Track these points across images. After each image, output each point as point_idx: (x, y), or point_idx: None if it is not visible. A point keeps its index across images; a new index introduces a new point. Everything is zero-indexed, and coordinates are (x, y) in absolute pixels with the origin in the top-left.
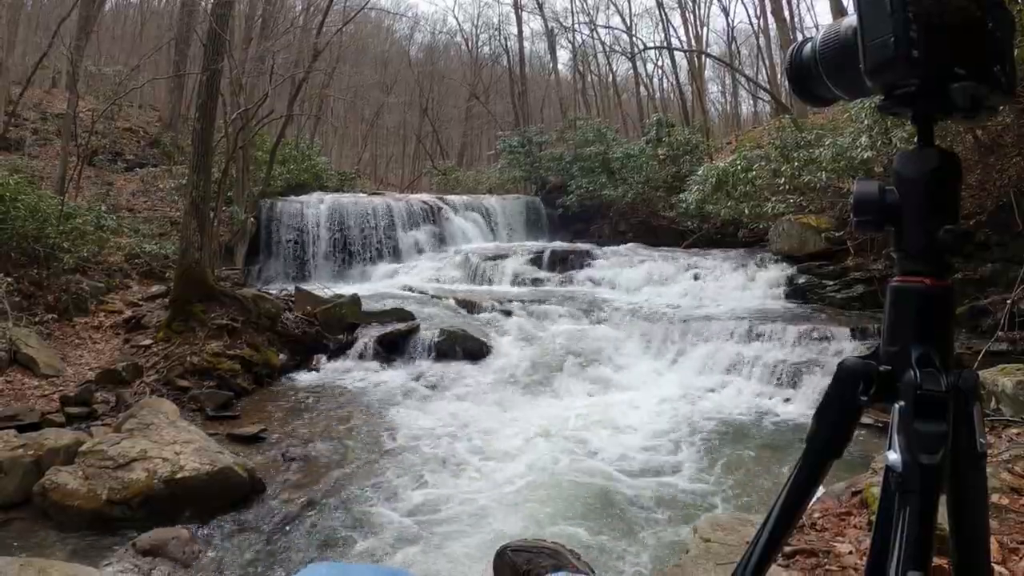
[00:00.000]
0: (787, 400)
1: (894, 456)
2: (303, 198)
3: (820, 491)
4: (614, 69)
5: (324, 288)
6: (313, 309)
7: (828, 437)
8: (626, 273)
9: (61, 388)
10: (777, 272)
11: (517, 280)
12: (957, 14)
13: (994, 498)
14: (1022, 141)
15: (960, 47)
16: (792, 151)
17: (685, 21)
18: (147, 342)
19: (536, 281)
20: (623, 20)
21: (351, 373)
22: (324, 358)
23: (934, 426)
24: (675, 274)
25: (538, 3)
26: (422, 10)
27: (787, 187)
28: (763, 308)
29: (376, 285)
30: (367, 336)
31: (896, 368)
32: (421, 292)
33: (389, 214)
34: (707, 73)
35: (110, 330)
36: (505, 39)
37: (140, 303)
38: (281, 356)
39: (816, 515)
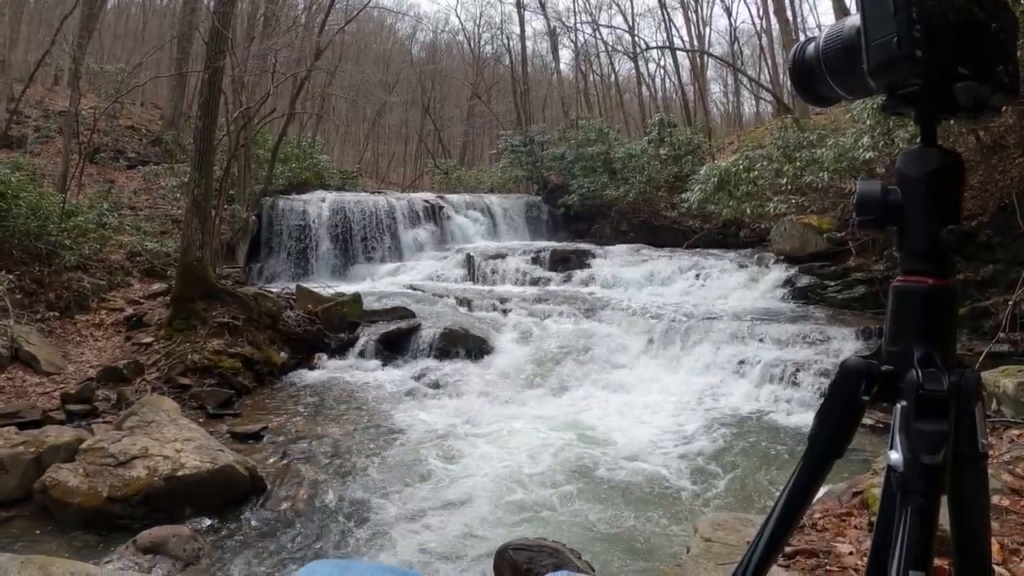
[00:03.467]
0: (788, 400)
1: (896, 456)
2: (305, 197)
3: (822, 491)
4: (616, 69)
5: (325, 286)
6: (315, 307)
7: (830, 436)
8: (627, 273)
9: (62, 385)
10: (779, 272)
11: (518, 279)
12: (960, 14)
13: (995, 499)
14: None
15: (963, 47)
16: (794, 151)
17: (687, 21)
18: (148, 340)
19: (537, 280)
20: (625, 20)
21: (352, 371)
22: (325, 356)
23: (936, 426)
24: (676, 274)
25: (540, 2)
26: (424, 9)
27: (789, 187)
28: (765, 308)
29: (377, 283)
30: (368, 334)
31: (898, 368)
32: (422, 291)
33: (391, 213)
34: (709, 73)
35: (111, 328)
36: (507, 38)
37: (141, 301)
38: (282, 354)
39: (817, 515)
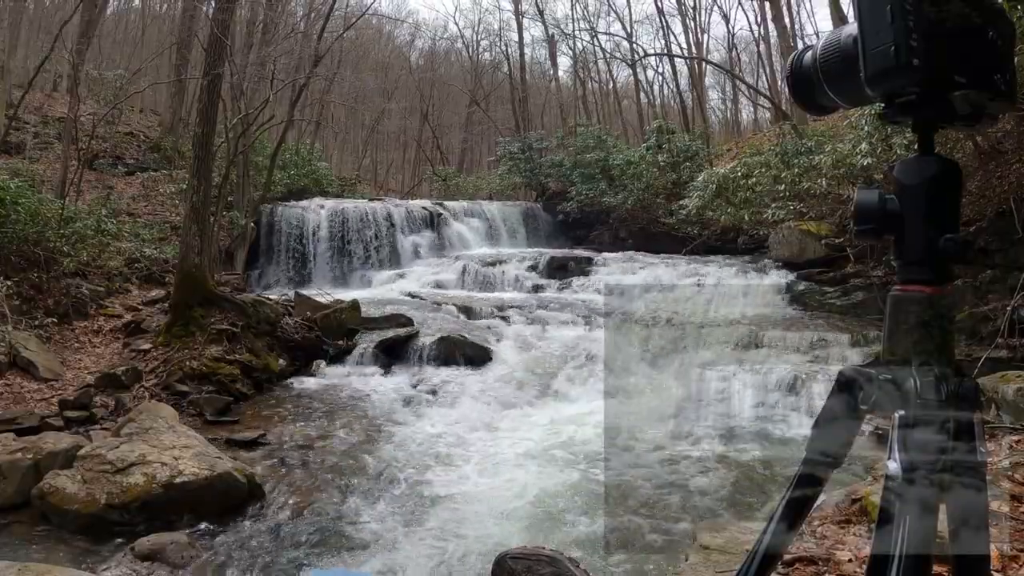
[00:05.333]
0: (787, 407)
1: (894, 465)
2: (303, 203)
3: (821, 498)
4: (614, 76)
5: (324, 293)
6: (313, 314)
7: (828, 445)
8: (626, 279)
9: (60, 392)
10: (777, 279)
11: (517, 286)
12: (958, 22)
13: (994, 505)
14: (1022, 148)
15: (961, 55)
16: (792, 158)
17: (685, 28)
18: (147, 346)
19: (536, 287)
20: (623, 27)
21: (351, 378)
22: (324, 363)
23: (934, 435)
24: (675, 281)
25: (539, 10)
26: (423, 16)
27: (787, 193)
28: (763, 315)
29: (376, 291)
30: (367, 342)
31: (896, 376)
32: (421, 298)
33: (389, 220)
34: (707, 80)
35: (110, 334)
36: (506, 45)
37: (140, 307)
38: (281, 361)
39: (816, 523)
